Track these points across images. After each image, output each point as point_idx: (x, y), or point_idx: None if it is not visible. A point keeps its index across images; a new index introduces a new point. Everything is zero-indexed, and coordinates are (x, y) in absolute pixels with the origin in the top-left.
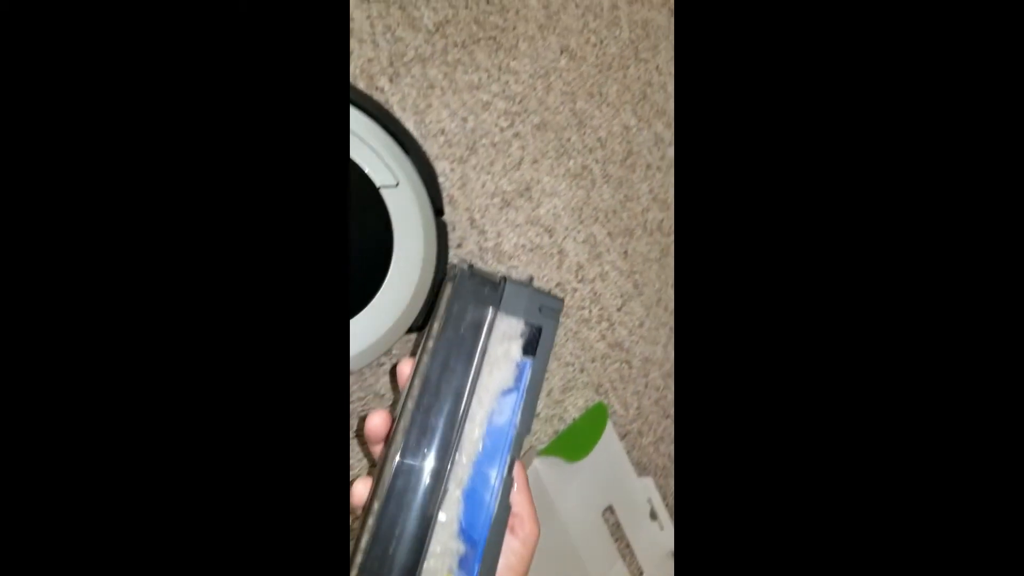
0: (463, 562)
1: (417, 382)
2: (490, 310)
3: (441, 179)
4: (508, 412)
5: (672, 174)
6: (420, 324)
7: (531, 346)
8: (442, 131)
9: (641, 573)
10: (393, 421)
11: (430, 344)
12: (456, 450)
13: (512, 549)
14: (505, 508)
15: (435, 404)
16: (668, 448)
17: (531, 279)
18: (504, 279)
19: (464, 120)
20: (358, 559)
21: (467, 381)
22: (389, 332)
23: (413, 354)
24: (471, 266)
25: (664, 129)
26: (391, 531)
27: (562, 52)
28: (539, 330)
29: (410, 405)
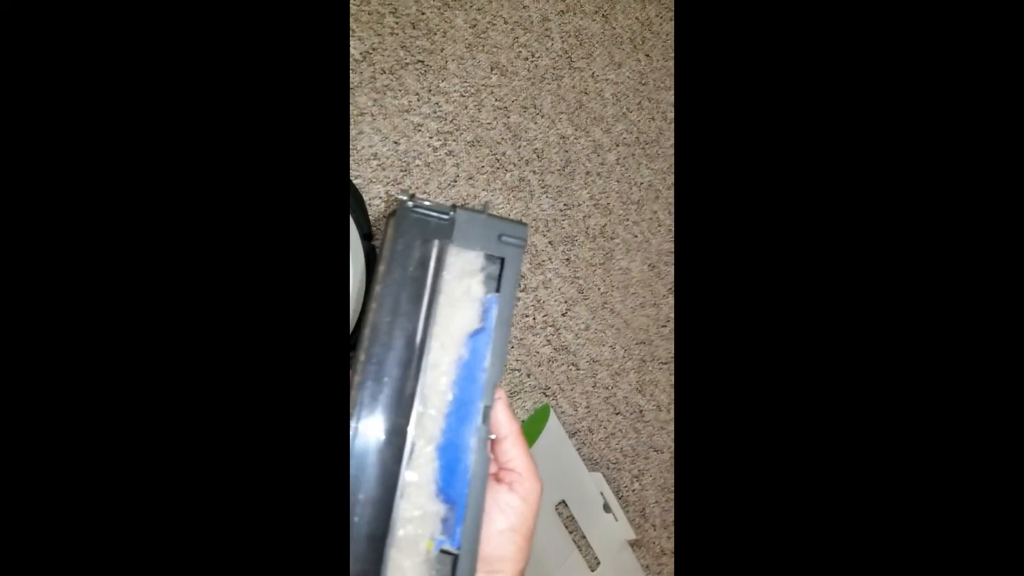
0: (446, 525)
1: (366, 332)
2: (438, 243)
3: (376, 201)
4: (477, 356)
5: (612, 179)
6: (352, 345)
7: (495, 281)
8: (375, 155)
9: (598, 563)
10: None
11: (376, 289)
12: (418, 401)
13: (513, 507)
14: (483, 461)
15: (388, 354)
16: (619, 443)
17: (486, 205)
18: (454, 206)
19: (396, 143)
20: None
21: (420, 324)
22: None
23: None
24: (413, 196)
25: (602, 135)
26: (354, 498)
27: (492, 69)
28: (502, 261)
29: (361, 357)
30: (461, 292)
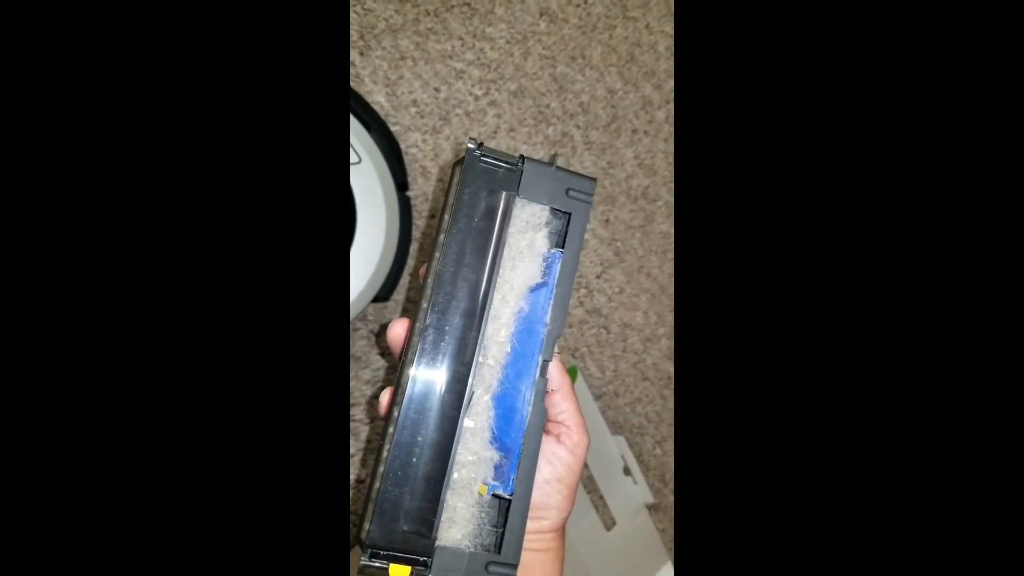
0: (498, 471)
1: (430, 281)
2: (505, 195)
3: (413, 150)
4: (538, 310)
5: (660, 138)
6: (385, 294)
7: (559, 236)
8: (414, 102)
9: (614, 523)
10: (411, 325)
11: (441, 238)
12: (479, 352)
13: (560, 459)
14: (540, 413)
15: (451, 304)
16: (644, 408)
17: (555, 157)
18: (523, 158)
19: (437, 90)
20: (380, 469)
21: (484, 276)
22: (355, 301)
23: (405, 313)
24: (481, 144)
25: (652, 91)
26: (413, 439)
27: (541, 15)
28: (568, 216)
29: (424, 306)
30: (525, 245)
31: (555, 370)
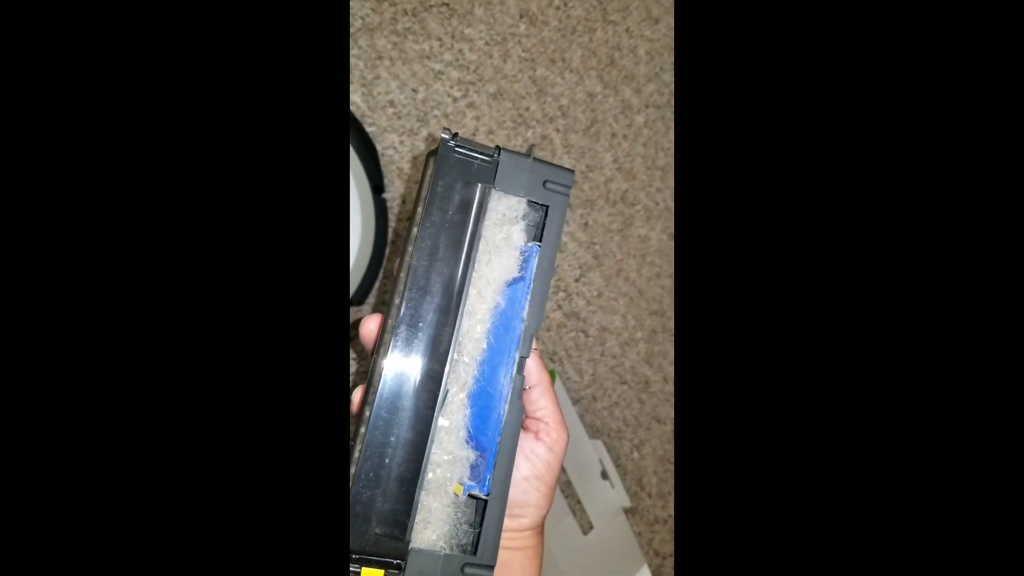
0: (474, 471)
1: (403, 276)
2: (481, 187)
3: (390, 151)
4: (515, 305)
5: (639, 142)
6: (360, 298)
7: (537, 229)
8: (391, 103)
9: (591, 526)
10: (383, 321)
11: (414, 231)
12: (454, 348)
13: (539, 456)
14: (517, 411)
15: (425, 299)
16: (622, 412)
17: (532, 148)
18: (499, 148)
19: (414, 91)
20: (352, 470)
21: (459, 270)
22: None
23: (377, 311)
24: (455, 135)
25: (632, 95)
26: (385, 440)
27: (521, 16)
28: (545, 209)
29: (397, 301)
30: (501, 239)
31: (533, 366)
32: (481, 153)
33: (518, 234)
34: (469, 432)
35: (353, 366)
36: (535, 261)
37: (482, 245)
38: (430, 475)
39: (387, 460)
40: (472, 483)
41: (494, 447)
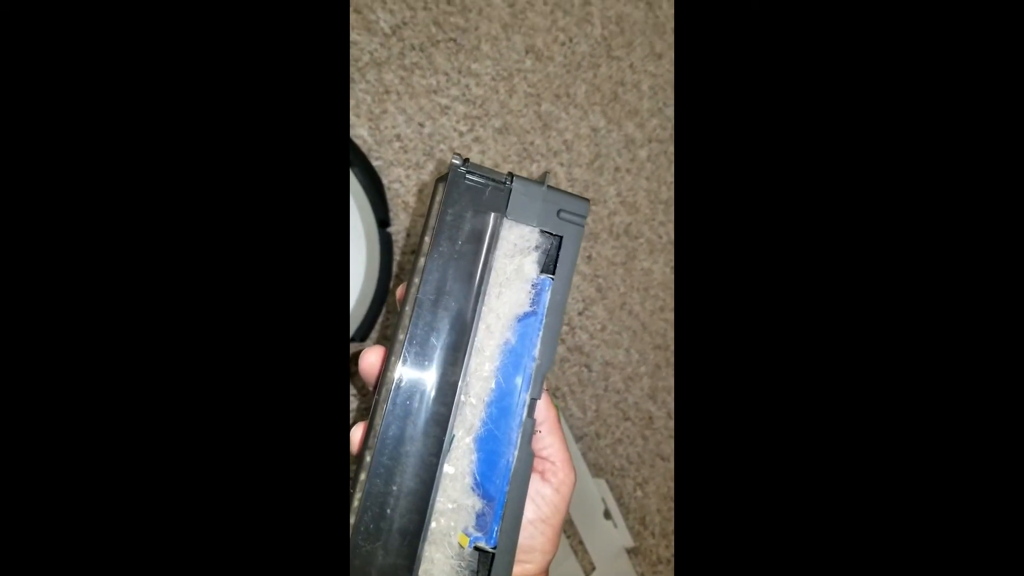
0: (480, 520)
1: (408, 309)
2: (493, 216)
3: (396, 185)
4: (525, 341)
5: (642, 176)
6: (364, 334)
7: (550, 260)
8: (397, 136)
9: (593, 568)
10: (385, 358)
11: (421, 262)
12: (461, 390)
13: (545, 498)
14: (527, 457)
15: (431, 335)
16: (625, 450)
17: (546, 175)
18: (511, 175)
19: (421, 125)
20: (351, 520)
21: (469, 305)
22: None
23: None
24: (466, 160)
25: (635, 130)
26: (387, 489)
27: (527, 52)
28: (559, 240)
29: (401, 337)
30: (512, 270)
31: (541, 402)
32: (493, 179)
33: (530, 266)
34: (475, 479)
35: (353, 403)
36: (547, 295)
37: (492, 277)
38: (433, 524)
39: (388, 511)
40: (478, 534)
41: (502, 496)
